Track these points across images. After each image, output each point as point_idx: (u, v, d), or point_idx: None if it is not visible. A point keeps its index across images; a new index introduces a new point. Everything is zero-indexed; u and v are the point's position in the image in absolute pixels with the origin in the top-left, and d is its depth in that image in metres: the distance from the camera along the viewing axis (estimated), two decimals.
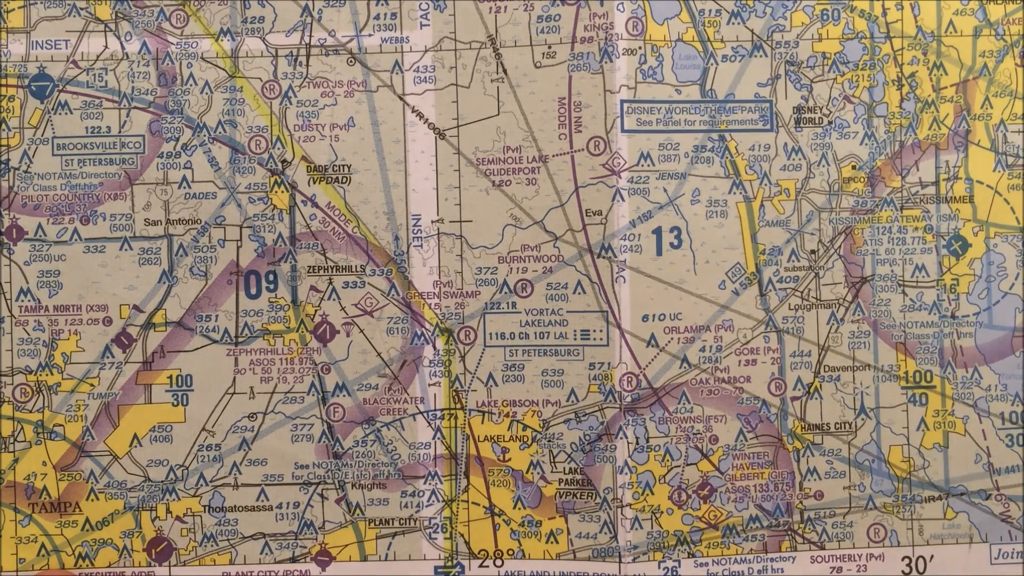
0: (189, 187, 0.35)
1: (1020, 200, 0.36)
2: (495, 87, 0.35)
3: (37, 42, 0.35)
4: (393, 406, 0.36)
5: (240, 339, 0.36)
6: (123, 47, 0.35)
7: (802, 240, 0.36)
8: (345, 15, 0.35)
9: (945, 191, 0.36)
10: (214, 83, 0.35)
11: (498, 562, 0.36)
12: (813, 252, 0.36)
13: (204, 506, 0.35)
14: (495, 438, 0.36)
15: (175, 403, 0.35)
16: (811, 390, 0.36)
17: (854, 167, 0.36)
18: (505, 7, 0.35)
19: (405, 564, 0.36)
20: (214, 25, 0.35)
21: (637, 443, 0.35)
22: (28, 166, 0.35)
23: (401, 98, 0.35)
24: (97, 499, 0.35)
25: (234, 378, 0.36)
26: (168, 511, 0.35)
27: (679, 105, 0.35)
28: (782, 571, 0.35)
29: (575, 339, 0.35)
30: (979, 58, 0.36)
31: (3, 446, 0.35)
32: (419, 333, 0.36)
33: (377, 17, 0.35)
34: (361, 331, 0.36)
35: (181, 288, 0.35)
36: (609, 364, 0.35)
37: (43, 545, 0.35)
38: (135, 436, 0.35)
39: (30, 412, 0.35)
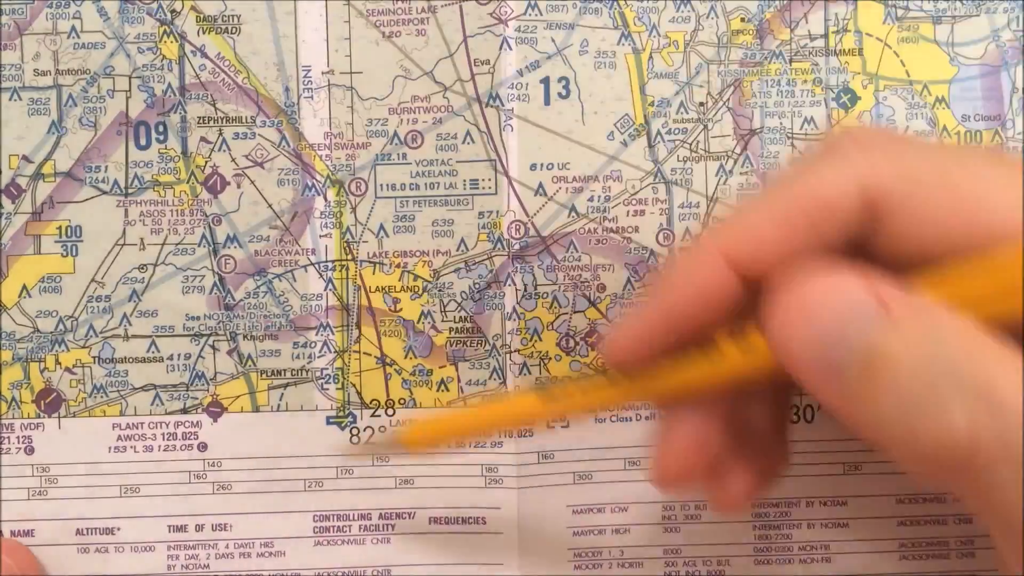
0: (78, 37, 0.35)
1: (909, 53, 0.36)
2: None
3: None
4: (284, 258, 0.36)
5: (130, 190, 0.36)
6: None
7: (691, 92, 0.36)
8: None
9: (834, 44, 0.36)
10: None
11: (390, 411, 0.36)
12: (702, 104, 0.36)
13: (94, 357, 0.35)
14: (386, 289, 0.36)
15: (64, 254, 0.35)
16: None
17: (743, 20, 0.36)
18: None
19: (297, 415, 0.36)
20: None
21: (525, 290, 0.35)
22: None
23: None
24: None
25: (124, 229, 0.36)
26: (57, 362, 0.35)
27: None
28: None
29: (464, 189, 0.36)
30: None
31: None
32: (310, 184, 0.36)
33: None
34: (252, 182, 0.36)
35: (70, 139, 0.35)
36: (497, 212, 0.35)
37: None
38: (24, 287, 0.35)
39: None
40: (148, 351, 0.36)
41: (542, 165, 0.35)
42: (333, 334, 0.36)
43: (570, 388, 0.28)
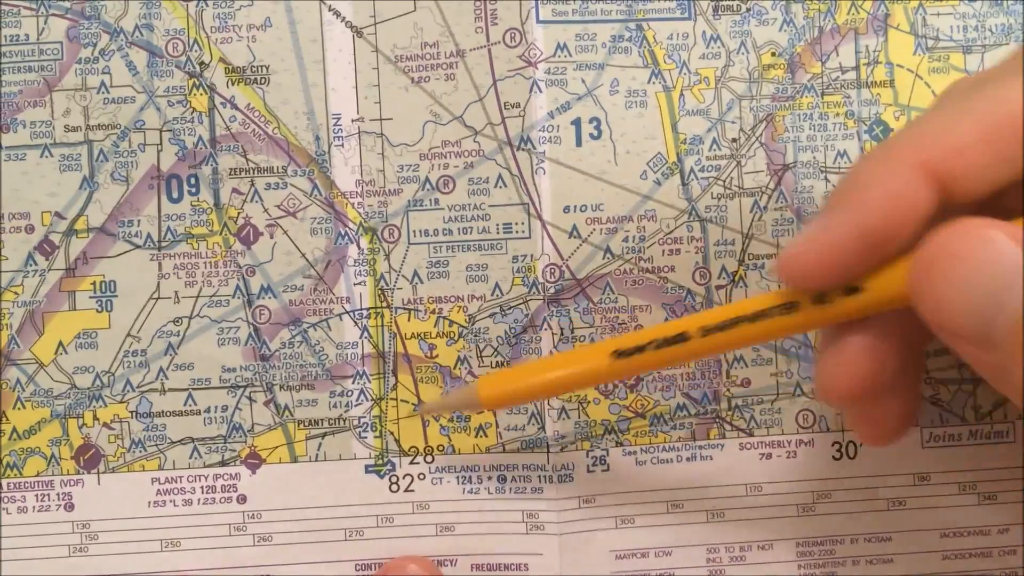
0: (108, 92, 0.35)
1: (941, 83, 0.36)
2: None
3: None
4: (319, 307, 0.36)
5: (163, 244, 0.35)
6: None
7: (723, 129, 0.36)
8: None
9: (865, 76, 0.36)
10: None
11: (428, 458, 0.35)
12: (734, 140, 0.36)
13: (131, 412, 0.35)
14: (422, 335, 0.36)
15: (99, 309, 0.35)
16: (736, 278, 0.36)
17: (773, 54, 0.36)
18: None
19: (336, 464, 0.36)
20: None
21: (562, 334, 0.35)
22: None
23: None
24: (23, 408, 0.35)
25: (158, 283, 0.35)
26: (95, 418, 0.35)
27: None
28: (711, 458, 0.35)
29: (498, 233, 0.35)
30: None
31: None
32: (343, 233, 0.36)
33: None
34: (285, 232, 0.36)
35: (102, 194, 0.35)
36: (532, 256, 0.35)
37: None
38: (60, 343, 0.35)
39: None
40: (185, 404, 0.36)
41: (575, 207, 0.35)
42: (370, 382, 0.36)
43: (645, 342, 0.28)
